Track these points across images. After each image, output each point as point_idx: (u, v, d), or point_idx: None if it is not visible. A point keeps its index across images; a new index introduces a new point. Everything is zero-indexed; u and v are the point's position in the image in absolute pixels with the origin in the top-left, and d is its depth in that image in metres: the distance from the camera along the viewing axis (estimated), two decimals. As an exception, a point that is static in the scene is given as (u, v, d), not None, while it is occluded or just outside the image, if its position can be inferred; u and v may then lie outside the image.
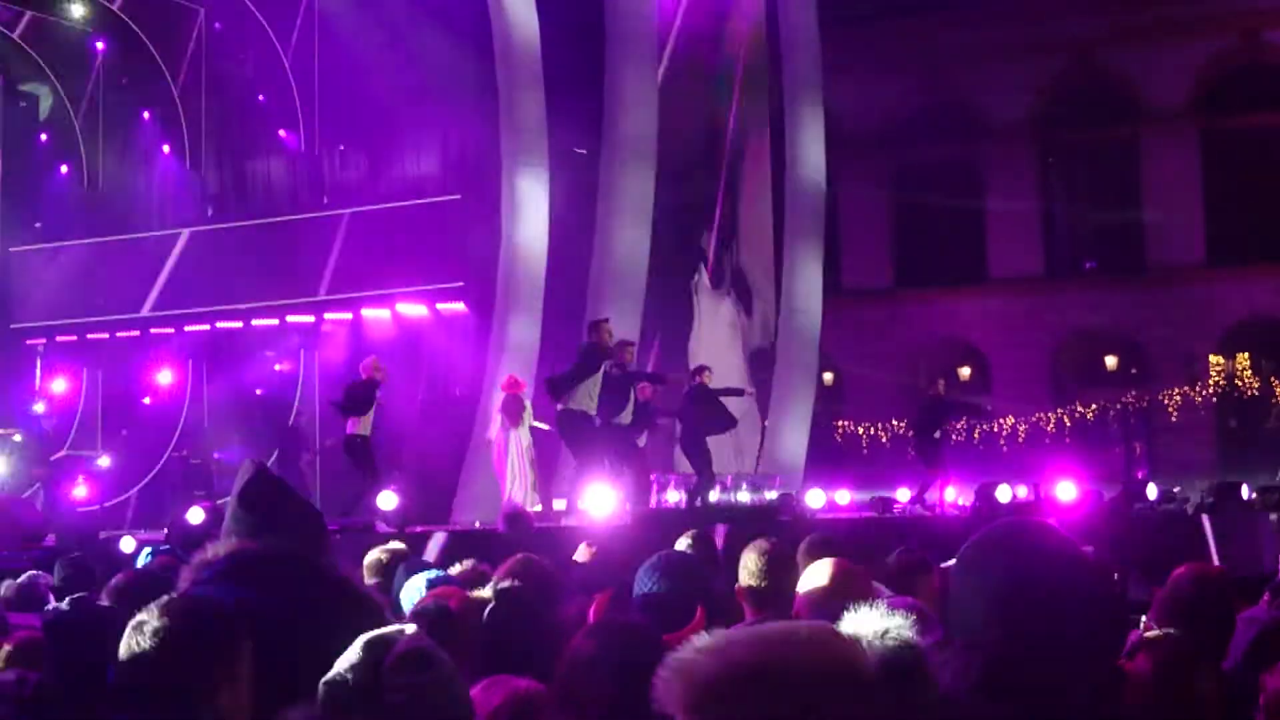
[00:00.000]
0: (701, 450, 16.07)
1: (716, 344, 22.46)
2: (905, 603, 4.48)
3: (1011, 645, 2.27)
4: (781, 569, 4.61)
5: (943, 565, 6.26)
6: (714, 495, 17.70)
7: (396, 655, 2.32)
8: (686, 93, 22.33)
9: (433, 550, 11.65)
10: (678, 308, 22.07)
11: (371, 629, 1.96)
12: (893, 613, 2.31)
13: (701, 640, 1.73)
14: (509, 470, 15.18)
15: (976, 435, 27.66)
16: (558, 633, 4.17)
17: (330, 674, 2.31)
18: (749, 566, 4.72)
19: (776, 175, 24.78)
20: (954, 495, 15.57)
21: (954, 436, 25.69)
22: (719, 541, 9.25)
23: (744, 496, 18.62)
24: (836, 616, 3.43)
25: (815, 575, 4.05)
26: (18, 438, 18.82)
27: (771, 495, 18.24)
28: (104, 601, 4.72)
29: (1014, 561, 2.38)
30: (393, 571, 6.06)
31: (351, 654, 2.32)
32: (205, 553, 2.33)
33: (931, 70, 30.39)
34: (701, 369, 16.61)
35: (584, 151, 19.35)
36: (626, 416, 14.80)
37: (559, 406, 14.76)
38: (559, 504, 15.53)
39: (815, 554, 4.80)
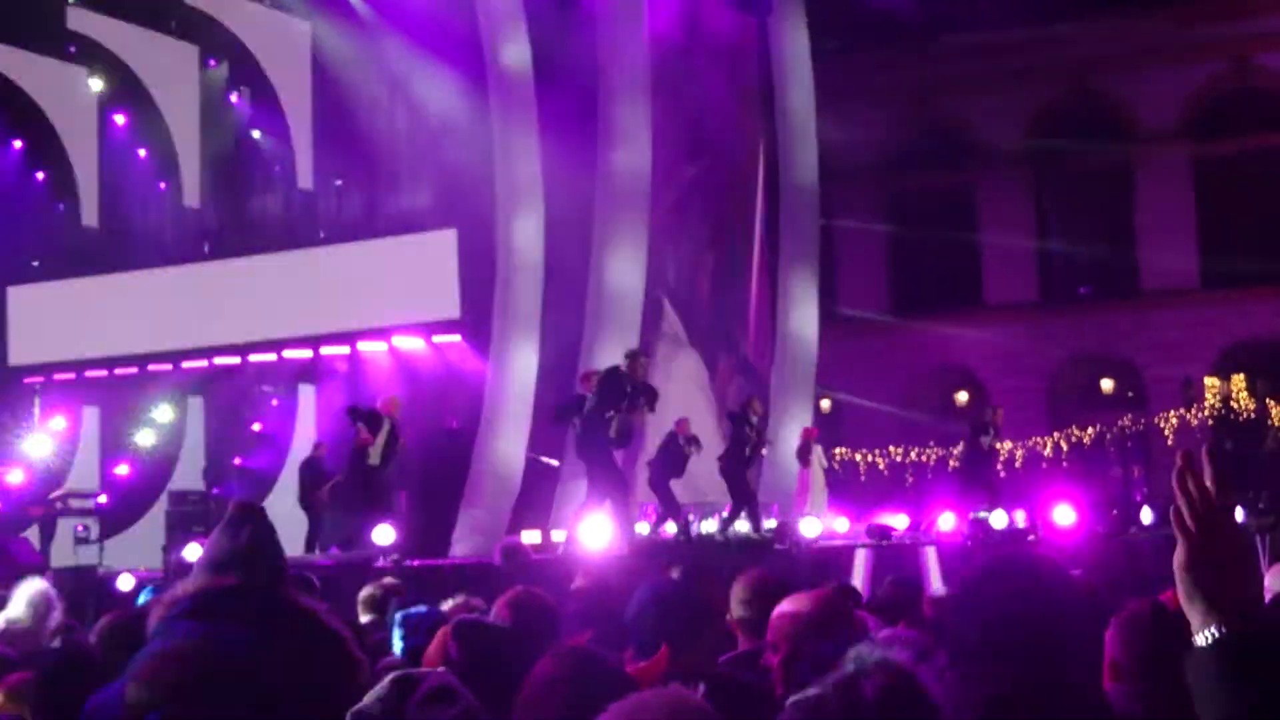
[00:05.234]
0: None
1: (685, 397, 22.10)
2: (901, 632, 4.52)
3: (1012, 676, 2.29)
4: (773, 599, 4.63)
5: (931, 594, 6.30)
6: (710, 524, 17.92)
7: (423, 691, 2.34)
8: (678, 121, 22.41)
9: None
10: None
11: (340, 665, 1.99)
12: (890, 643, 2.34)
13: None
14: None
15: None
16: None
17: (357, 707, 2.34)
18: (739, 596, 4.76)
19: (771, 204, 24.86)
20: (950, 523, 15.54)
21: (950, 463, 25.73)
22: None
23: (741, 526, 18.60)
24: (819, 645, 3.48)
25: (797, 604, 4.06)
26: (18, 475, 18.83)
27: (769, 524, 18.25)
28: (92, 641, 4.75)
29: (1012, 594, 2.41)
30: (386, 606, 6.09)
31: (380, 689, 2.34)
32: (175, 589, 2.37)
33: (924, 98, 30.52)
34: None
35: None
36: (612, 430, 14.40)
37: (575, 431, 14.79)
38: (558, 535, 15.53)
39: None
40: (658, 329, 21.67)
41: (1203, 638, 2.00)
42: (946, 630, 2.47)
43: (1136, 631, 2.94)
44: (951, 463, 25.20)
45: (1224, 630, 1.98)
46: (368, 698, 2.39)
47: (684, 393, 21.41)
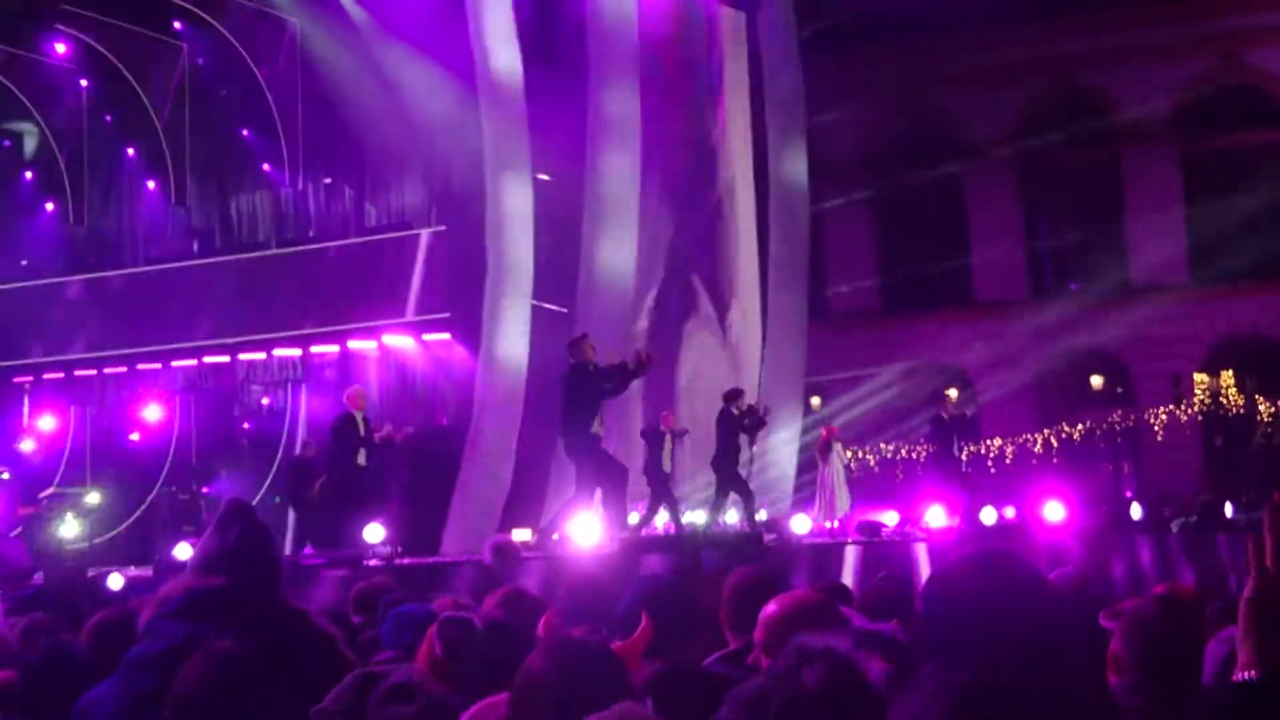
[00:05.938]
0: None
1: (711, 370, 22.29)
2: (880, 627, 4.52)
3: (983, 672, 2.30)
4: (761, 595, 4.62)
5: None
6: (700, 516, 17.96)
7: (383, 689, 2.33)
8: (669, 114, 22.43)
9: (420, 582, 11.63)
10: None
11: (328, 663, 2.00)
12: (841, 635, 2.35)
13: None
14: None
15: (964, 457, 27.70)
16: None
17: (318, 707, 2.33)
18: (729, 594, 4.75)
19: (761, 199, 24.87)
20: (942, 519, 15.56)
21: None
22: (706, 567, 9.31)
23: (731, 520, 18.64)
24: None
25: (783, 605, 4.05)
26: (6, 475, 18.77)
27: (760, 518, 18.29)
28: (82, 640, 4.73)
29: (981, 590, 2.42)
30: (376, 605, 6.08)
31: (341, 687, 2.33)
32: (165, 589, 2.37)
33: (913, 94, 30.53)
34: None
35: (546, 177, 19.28)
36: (598, 425, 14.08)
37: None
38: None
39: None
40: (683, 297, 22.07)
41: (1241, 675, 2.04)
42: (920, 622, 2.49)
43: (1137, 627, 2.98)
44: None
45: (1257, 678, 2.01)
46: (329, 696, 2.38)
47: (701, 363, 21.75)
